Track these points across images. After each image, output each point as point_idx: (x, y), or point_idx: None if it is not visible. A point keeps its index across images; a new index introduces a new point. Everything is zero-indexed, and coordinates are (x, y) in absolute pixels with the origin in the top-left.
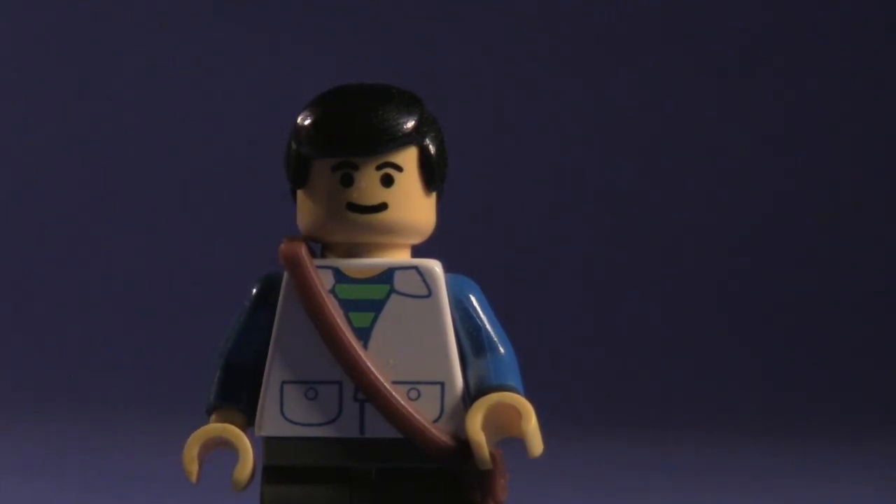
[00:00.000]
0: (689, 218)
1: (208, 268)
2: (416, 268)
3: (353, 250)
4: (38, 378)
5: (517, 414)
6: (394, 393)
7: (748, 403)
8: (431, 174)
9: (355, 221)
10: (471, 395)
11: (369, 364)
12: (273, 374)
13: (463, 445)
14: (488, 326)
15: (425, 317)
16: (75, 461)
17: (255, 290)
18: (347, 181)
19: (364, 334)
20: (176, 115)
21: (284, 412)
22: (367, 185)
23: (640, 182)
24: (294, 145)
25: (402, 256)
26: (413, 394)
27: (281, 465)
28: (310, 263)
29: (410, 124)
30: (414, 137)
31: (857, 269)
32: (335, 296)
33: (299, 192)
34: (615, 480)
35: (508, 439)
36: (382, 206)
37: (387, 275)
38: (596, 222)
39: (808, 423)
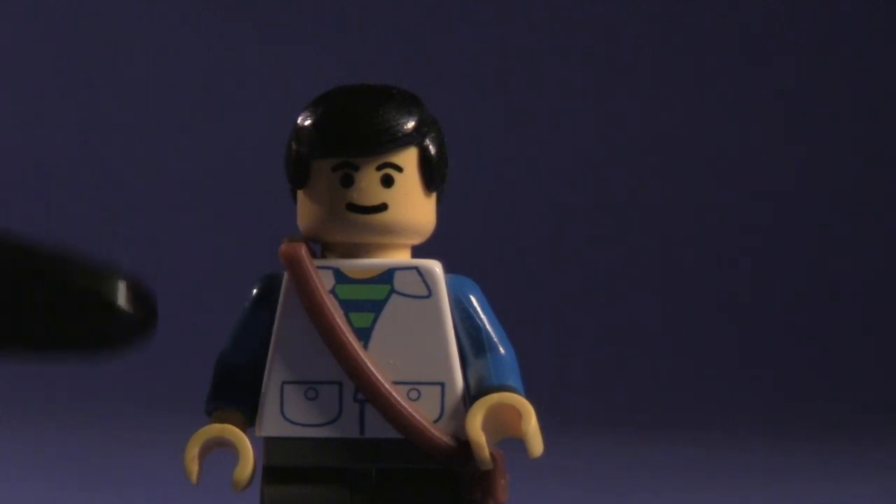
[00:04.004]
0: (689, 218)
1: (208, 268)
2: (416, 268)
3: (353, 251)
4: (39, 378)
5: (517, 414)
6: (394, 393)
7: (748, 403)
8: (431, 174)
9: (355, 222)
10: (471, 396)
11: (369, 364)
12: (273, 375)
13: (463, 446)
14: (488, 327)
15: (425, 317)
16: (75, 461)
17: (255, 291)
18: (347, 181)
19: (364, 335)
20: (176, 115)
21: (285, 412)
22: (367, 186)
23: (639, 182)
24: (294, 146)
25: (402, 257)
26: (413, 394)
27: (281, 465)
28: (310, 264)
29: (410, 124)
30: (414, 138)
31: (858, 269)
32: (335, 296)
33: (299, 193)
34: (615, 480)
35: (509, 439)
36: (382, 207)
37: (387, 275)
38: (596, 222)
39: (809, 423)
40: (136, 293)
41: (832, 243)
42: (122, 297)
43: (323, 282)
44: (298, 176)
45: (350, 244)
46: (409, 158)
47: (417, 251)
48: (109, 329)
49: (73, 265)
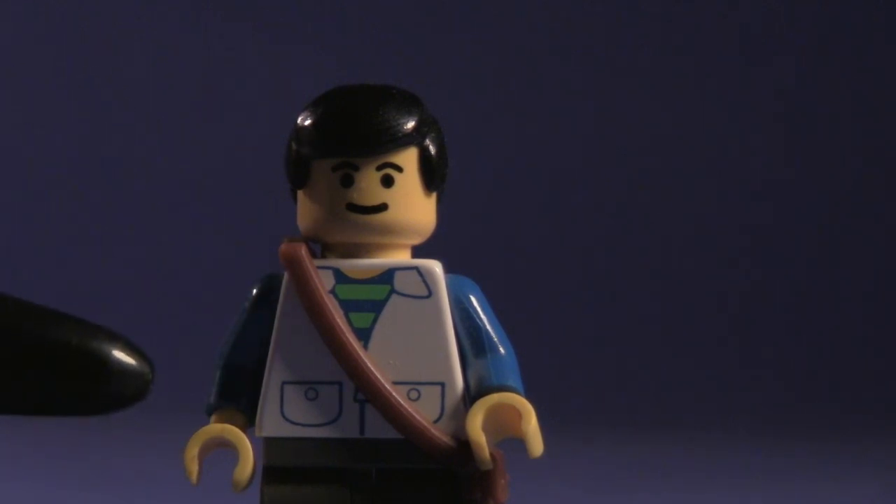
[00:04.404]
0: (689, 218)
1: (208, 268)
2: (416, 268)
3: (354, 251)
4: None
5: (517, 414)
6: (394, 393)
7: (748, 403)
8: (431, 174)
9: (355, 222)
10: (471, 396)
11: (369, 364)
12: (273, 375)
13: (463, 446)
14: (488, 327)
15: (426, 317)
16: (75, 461)
17: (255, 291)
18: (347, 181)
19: (364, 335)
20: (176, 115)
21: (285, 412)
22: (367, 186)
23: (639, 182)
24: (294, 146)
25: (402, 257)
26: (413, 394)
27: (281, 465)
28: (310, 264)
29: (410, 125)
30: (414, 138)
31: (858, 269)
32: (335, 296)
33: (299, 193)
34: (615, 480)
35: (509, 439)
36: (382, 207)
37: (387, 275)
38: (596, 222)
39: (808, 423)
40: (132, 356)
41: (832, 243)
42: (116, 361)
43: (323, 282)
44: (298, 176)
45: (350, 244)
46: (409, 158)
47: (417, 251)
48: (105, 392)
49: (68, 328)
